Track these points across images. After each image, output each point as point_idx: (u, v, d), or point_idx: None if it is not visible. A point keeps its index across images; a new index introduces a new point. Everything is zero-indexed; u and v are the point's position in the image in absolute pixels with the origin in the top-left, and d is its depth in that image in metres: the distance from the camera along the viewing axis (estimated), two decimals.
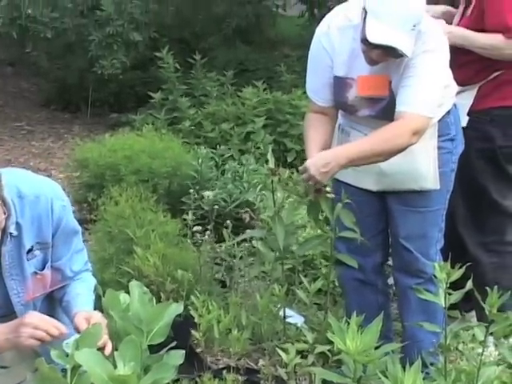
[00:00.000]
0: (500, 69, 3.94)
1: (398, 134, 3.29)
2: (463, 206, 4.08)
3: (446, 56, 3.42)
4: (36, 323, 2.61)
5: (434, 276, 2.66)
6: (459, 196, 3.93)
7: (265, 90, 7.30)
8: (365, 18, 3.24)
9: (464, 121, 3.89)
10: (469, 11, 3.98)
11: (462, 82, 3.83)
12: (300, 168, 3.34)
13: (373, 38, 3.21)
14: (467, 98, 3.97)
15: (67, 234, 2.92)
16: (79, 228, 3.01)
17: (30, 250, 2.82)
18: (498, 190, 4.08)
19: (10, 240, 2.76)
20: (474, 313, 4.06)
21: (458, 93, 3.75)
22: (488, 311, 2.62)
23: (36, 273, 2.86)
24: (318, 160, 3.28)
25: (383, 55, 3.29)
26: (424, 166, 3.51)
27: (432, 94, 3.35)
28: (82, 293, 2.91)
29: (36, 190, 2.81)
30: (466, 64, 3.90)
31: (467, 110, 3.97)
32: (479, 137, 3.98)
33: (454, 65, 3.54)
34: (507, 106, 3.99)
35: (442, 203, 3.61)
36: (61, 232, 2.88)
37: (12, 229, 2.74)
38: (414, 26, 3.23)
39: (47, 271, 2.88)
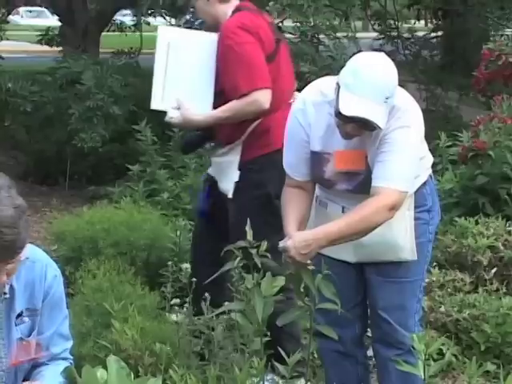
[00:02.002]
0: (254, 121, 4.24)
1: (375, 211, 3.31)
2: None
3: (421, 129, 3.46)
4: None
5: (413, 347, 2.66)
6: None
7: None
8: (338, 91, 3.29)
9: (236, 176, 4.26)
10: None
11: (227, 140, 4.30)
12: (280, 247, 3.35)
13: (346, 111, 3.24)
14: (235, 155, 4.30)
15: (53, 305, 2.89)
16: (66, 312, 2.97)
17: (19, 315, 2.81)
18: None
19: (1, 302, 2.75)
20: None
21: (226, 152, 4.28)
22: (467, 382, 2.62)
23: (22, 339, 2.83)
24: (299, 242, 3.30)
25: (358, 128, 3.32)
26: (401, 237, 3.52)
27: (408, 168, 3.38)
28: (46, 375, 2.86)
29: (32, 255, 2.82)
30: (224, 124, 4.26)
31: (237, 165, 4.28)
32: (253, 184, 4.21)
33: (216, 127, 4.23)
34: (268, 152, 4.22)
35: (420, 274, 3.62)
36: (48, 301, 2.86)
37: (6, 289, 2.73)
38: (387, 98, 3.27)
39: (33, 339, 2.85)
